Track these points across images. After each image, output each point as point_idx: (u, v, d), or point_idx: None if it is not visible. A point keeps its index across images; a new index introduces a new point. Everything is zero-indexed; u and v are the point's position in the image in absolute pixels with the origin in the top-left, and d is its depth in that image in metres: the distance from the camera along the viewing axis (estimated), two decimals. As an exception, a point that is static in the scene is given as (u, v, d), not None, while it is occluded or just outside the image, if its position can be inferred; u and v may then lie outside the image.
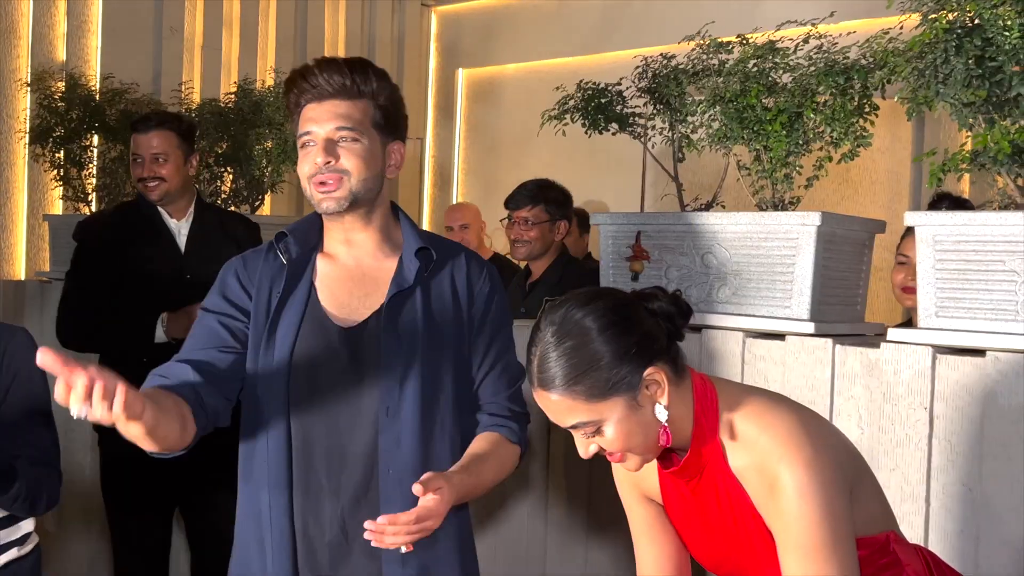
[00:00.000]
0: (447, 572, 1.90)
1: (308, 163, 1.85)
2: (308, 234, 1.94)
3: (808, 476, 1.49)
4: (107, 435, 3.28)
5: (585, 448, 1.58)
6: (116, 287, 3.17)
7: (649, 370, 1.53)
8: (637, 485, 1.76)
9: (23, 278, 4.67)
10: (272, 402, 1.85)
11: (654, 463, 1.70)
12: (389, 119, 1.90)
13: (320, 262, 1.93)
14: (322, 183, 1.84)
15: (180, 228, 3.25)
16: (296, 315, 1.86)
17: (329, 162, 1.83)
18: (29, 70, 4.68)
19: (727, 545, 1.65)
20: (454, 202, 6.53)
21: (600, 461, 1.66)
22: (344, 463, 1.84)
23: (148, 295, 3.15)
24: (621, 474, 1.79)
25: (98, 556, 4.03)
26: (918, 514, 2.18)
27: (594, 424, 1.53)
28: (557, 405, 1.53)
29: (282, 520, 1.84)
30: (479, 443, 1.91)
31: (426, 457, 1.85)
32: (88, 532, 4.08)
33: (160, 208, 3.24)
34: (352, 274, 1.91)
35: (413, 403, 1.83)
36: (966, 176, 4.08)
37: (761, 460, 1.54)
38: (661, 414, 1.55)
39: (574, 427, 1.55)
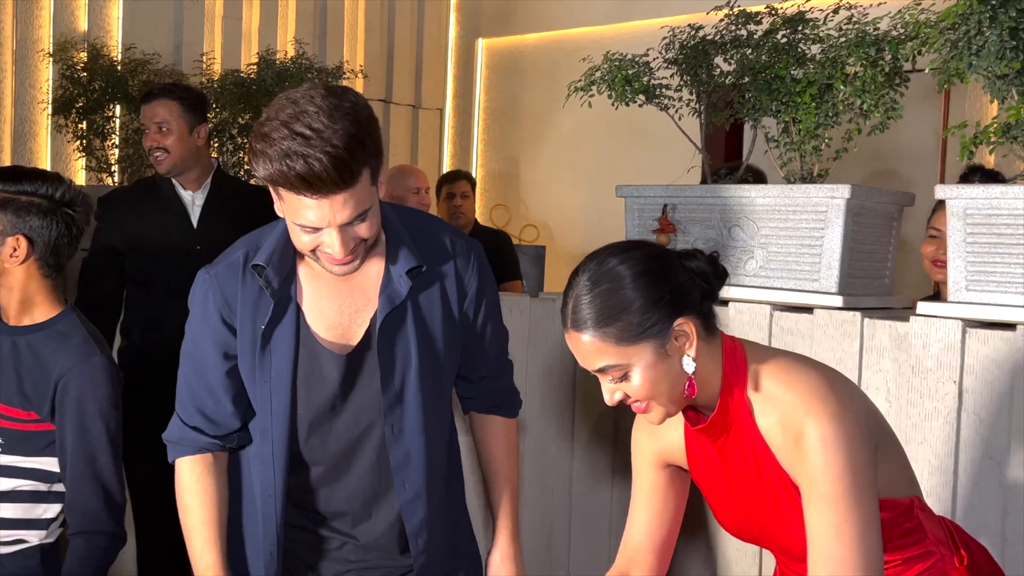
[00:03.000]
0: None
1: (311, 242, 1.67)
2: (285, 256, 1.79)
3: (833, 428, 1.51)
4: (125, 417, 3.30)
5: (610, 394, 1.59)
6: (129, 260, 3.19)
7: (679, 320, 1.55)
8: (658, 448, 1.77)
9: (47, 248, 4.69)
10: (276, 436, 1.82)
11: (681, 424, 1.71)
12: (380, 161, 1.70)
13: (303, 277, 1.82)
14: (337, 261, 1.69)
15: (194, 199, 3.25)
16: (289, 346, 1.79)
17: (349, 246, 1.68)
18: (51, 40, 4.68)
19: (752, 506, 1.66)
20: (474, 173, 6.52)
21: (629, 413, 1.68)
22: (350, 476, 1.86)
23: (158, 268, 3.16)
24: (640, 436, 1.80)
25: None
26: (946, 487, 2.18)
27: (621, 368, 1.55)
28: (587, 346, 1.55)
29: (282, 541, 1.86)
30: (497, 456, 2.01)
31: (434, 457, 1.89)
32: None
33: (174, 181, 3.24)
34: (339, 288, 1.81)
35: (415, 416, 1.83)
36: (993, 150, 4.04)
37: (787, 415, 1.55)
38: (688, 366, 1.57)
39: (601, 371, 1.57)
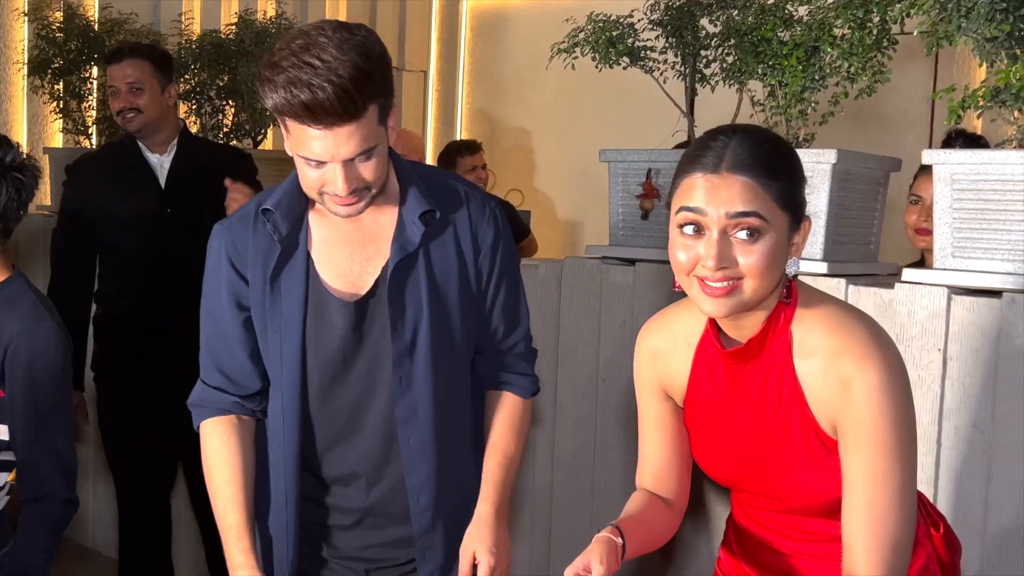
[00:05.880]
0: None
1: (317, 180, 1.67)
2: (294, 202, 1.79)
3: (888, 376, 1.48)
4: (104, 384, 3.26)
5: (720, 252, 1.45)
6: (98, 227, 3.14)
7: (807, 219, 1.53)
8: (659, 378, 1.71)
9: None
10: (286, 386, 1.80)
11: (689, 350, 1.65)
12: (390, 101, 1.69)
13: (314, 224, 1.81)
14: (341, 200, 1.69)
15: (162, 162, 3.20)
16: (299, 292, 1.78)
17: (354, 187, 1.67)
18: (26, -1, 4.59)
19: (752, 443, 1.60)
20: (457, 136, 6.46)
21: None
22: (363, 433, 1.83)
23: (127, 233, 3.12)
24: (642, 365, 1.73)
25: (104, 509, 4.05)
26: (929, 455, 2.17)
27: (764, 224, 1.45)
28: (743, 188, 1.44)
29: (294, 505, 1.84)
30: (497, 427, 1.90)
31: (444, 418, 1.83)
32: (93, 484, 4.09)
33: (141, 143, 3.19)
34: (351, 236, 1.80)
35: (425, 370, 1.79)
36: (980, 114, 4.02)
37: (832, 360, 1.51)
38: (793, 267, 1.52)
39: (742, 215, 1.44)
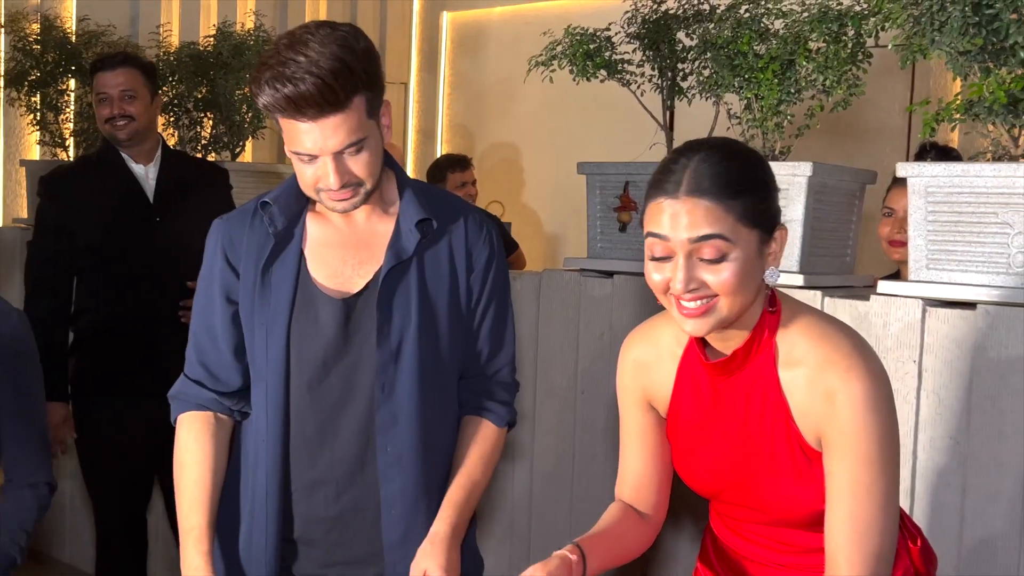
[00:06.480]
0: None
1: (312, 176, 1.71)
2: (293, 200, 1.82)
3: (873, 389, 1.48)
4: (81, 399, 3.23)
5: (686, 280, 1.45)
6: (81, 238, 3.11)
7: (782, 227, 1.52)
8: (643, 388, 1.70)
9: (0, 224, 4.61)
10: (270, 380, 1.80)
11: (674, 361, 1.65)
12: (378, 95, 1.73)
13: (310, 224, 1.83)
14: (334, 195, 1.73)
15: (147, 173, 3.19)
16: (288, 290, 1.79)
17: (345, 181, 1.70)
18: (2, 11, 4.57)
19: (735, 455, 1.60)
20: (439, 151, 6.46)
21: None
22: (337, 438, 1.81)
23: (115, 243, 3.10)
24: (626, 377, 1.73)
25: (81, 525, 4.02)
26: (905, 466, 2.18)
27: (727, 246, 1.45)
28: (703, 212, 1.44)
29: (276, 499, 1.82)
30: (468, 453, 1.86)
31: (426, 432, 1.82)
32: (71, 499, 4.06)
33: (124, 155, 3.18)
34: (346, 239, 1.82)
35: (410, 379, 1.79)
36: (955, 127, 4.05)
37: (817, 371, 1.50)
38: (772, 277, 1.50)
39: (704, 239, 1.44)
